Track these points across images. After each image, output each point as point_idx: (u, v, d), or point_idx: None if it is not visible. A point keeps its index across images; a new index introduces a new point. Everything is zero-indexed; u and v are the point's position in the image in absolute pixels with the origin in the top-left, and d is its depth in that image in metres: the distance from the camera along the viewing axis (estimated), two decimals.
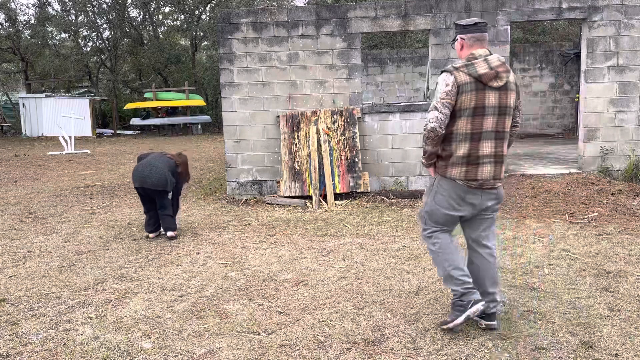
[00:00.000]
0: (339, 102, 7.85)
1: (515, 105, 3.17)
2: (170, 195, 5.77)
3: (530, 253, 4.79)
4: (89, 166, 12.53)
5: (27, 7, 41.09)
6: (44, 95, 23.68)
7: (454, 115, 3.04)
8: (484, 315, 3.22)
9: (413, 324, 3.37)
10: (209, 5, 27.71)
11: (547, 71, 15.74)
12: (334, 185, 7.47)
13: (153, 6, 28.48)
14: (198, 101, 23.50)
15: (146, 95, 23.83)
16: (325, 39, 7.76)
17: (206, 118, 24.32)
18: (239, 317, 3.56)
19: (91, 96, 24.68)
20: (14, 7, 26.49)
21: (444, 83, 3.02)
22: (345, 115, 7.72)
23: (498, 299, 3.25)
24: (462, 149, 3.06)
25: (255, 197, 7.97)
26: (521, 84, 15.74)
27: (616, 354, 2.92)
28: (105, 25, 27.90)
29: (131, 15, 28.54)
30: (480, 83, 3.00)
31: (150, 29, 29.41)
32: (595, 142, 7.73)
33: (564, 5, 7.50)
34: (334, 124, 7.71)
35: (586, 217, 5.95)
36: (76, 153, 15.63)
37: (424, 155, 3.19)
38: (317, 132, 7.64)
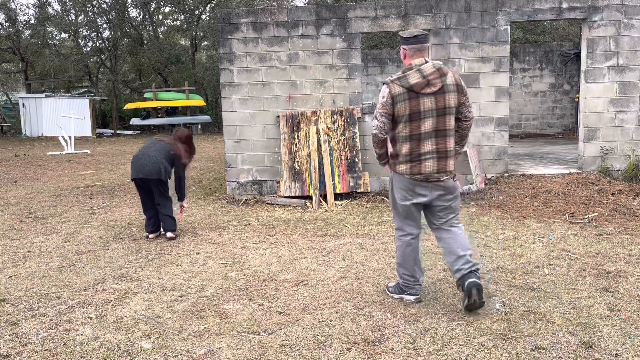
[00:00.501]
0: (339, 102, 7.85)
1: (461, 102, 3.50)
2: (169, 193, 5.74)
3: (530, 253, 4.79)
4: (89, 166, 12.53)
5: (27, 7, 41.12)
6: (43, 95, 23.69)
7: (395, 121, 3.49)
8: (464, 284, 3.39)
9: (413, 324, 3.37)
10: (209, 5, 27.70)
11: (547, 71, 15.74)
12: (334, 185, 7.47)
13: (153, 6, 28.47)
14: (198, 101, 23.48)
15: (146, 95, 23.81)
16: (325, 39, 7.76)
17: (206, 118, 24.30)
18: (239, 317, 3.56)
19: (91, 96, 24.68)
20: (14, 7, 26.50)
21: (381, 95, 3.49)
22: (345, 115, 7.72)
23: (472, 260, 3.49)
24: (404, 149, 3.49)
25: (255, 197, 7.97)
26: (521, 84, 15.76)
27: (616, 354, 2.92)
28: (105, 25, 27.89)
29: (131, 15, 28.54)
30: (413, 92, 3.39)
31: (150, 29, 29.40)
32: (595, 142, 7.73)
33: (564, 5, 7.51)
34: (334, 124, 7.71)
35: (586, 217, 5.95)
36: (76, 153, 15.63)
37: (376, 156, 3.70)
38: (317, 132, 7.64)
